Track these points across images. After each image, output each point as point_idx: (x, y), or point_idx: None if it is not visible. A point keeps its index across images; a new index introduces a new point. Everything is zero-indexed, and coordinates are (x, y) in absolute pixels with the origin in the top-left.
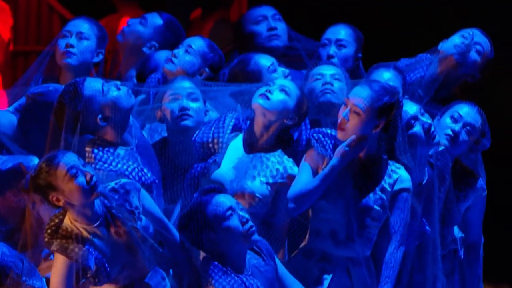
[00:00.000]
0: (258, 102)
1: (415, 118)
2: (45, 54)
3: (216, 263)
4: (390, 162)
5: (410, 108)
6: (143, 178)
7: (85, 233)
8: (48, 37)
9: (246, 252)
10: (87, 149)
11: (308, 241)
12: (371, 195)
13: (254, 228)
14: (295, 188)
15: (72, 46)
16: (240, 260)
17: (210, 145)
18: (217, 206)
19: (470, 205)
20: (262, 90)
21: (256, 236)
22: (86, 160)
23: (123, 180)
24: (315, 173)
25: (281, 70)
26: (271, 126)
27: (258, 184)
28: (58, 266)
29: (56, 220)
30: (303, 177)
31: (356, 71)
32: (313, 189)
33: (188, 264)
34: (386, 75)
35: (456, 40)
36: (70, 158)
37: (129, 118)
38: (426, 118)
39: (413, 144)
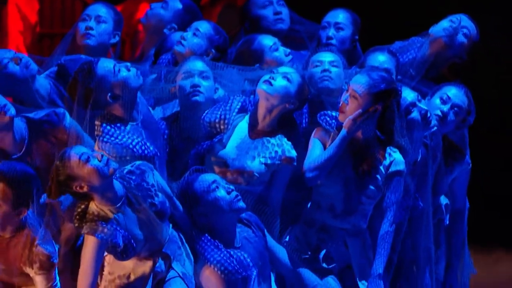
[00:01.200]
0: (262, 87)
1: (413, 104)
2: (68, 36)
3: (208, 237)
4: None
5: (408, 95)
6: (146, 151)
7: (110, 214)
8: (71, 20)
9: (235, 225)
10: (97, 122)
11: (309, 212)
12: (366, 174)
13: (239, 197)
14: (311, 159)
15: (91, 28)
16: (230, 233)
17: (217, 125)
18: (202, 181)
19: (456, 177)
20: (266, 77)
21: (242, 204)
22: (95, 133)
23: (138, 162)
24: (323, 147)
25: (282, 49)
26: (273, 110)
27: (257, 164)
28: (89, 246)
29: (82, 206)
30: (316, 150)
31: (353, 52)
32: (327, 158)
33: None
34: (381, 58)
35: (445, 24)
36: (78, 148)
37: (136, 96)
38: (422, 105)
39: (411, 128)
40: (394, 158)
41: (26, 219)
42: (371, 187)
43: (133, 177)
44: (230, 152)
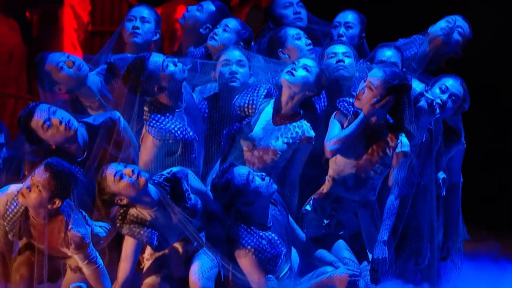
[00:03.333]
0: (285, 77)
1: (421, 94)
2: (114, 35)
3: (242, 224)
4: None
5: (418, 86)
6: (186, 136)
7: (147, 216)
8: (119, 19)
9: (268, 206)
10: (145, 108)
11: (325, 185)
12: (375, 154)
13: (272, 180)
14: (331, 135)
15: (137, 28)
16: (265, 215)
17: (246, 109)
18: (240, 176)
19: (452, 156)
20: (289, 67)
21: (275, 185)
22: (144, 117)
23: (174, 169)
24: (341, 128)
25: (304, 40)
26: (295, 97)
27: (280, 144)
28: (129, 242)
29: (123, 209)
30: (335, 129)
31: (361, 47)
32: (346, 135)
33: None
34: (388, 53)
35: (442, 24)
36: (112, 167)
37: (181, 87)
38: (429, 95)
39: (418, 115)
40: (401, 140)
41: (59, 207)
42: (379, 164)
43: (169, 184)
44: (257, 133)
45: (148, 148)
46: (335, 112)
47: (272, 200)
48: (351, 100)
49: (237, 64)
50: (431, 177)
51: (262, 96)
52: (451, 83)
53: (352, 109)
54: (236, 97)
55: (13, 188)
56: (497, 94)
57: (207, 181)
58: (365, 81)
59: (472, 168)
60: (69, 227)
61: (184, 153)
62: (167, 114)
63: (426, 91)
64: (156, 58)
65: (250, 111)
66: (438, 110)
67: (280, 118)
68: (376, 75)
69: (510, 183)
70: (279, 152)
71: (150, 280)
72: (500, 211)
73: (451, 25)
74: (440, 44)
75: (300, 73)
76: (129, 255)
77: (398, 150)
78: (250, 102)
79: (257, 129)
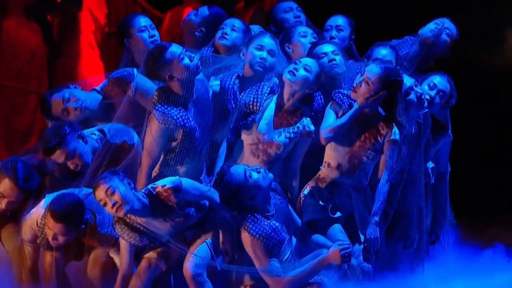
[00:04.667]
0: (286, 76)
1: (411, 88)
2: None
3: (248, 215)
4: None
5: (408, 80)
6: (187, 124)
7: (140, 222)
8: None
9: (269, 195)
10: (156, 92)
11: (321, 171)
12: (367, 141)
13: (266, 170)
14: (327, 124)
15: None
16: (267, 204)
17: (251, 106)
18: (238, 174)
19: (440, 147)
20: (290, 67)
21: (271, 174)
22: (153, 100)
23: (167, 184)
24: (336, 117)
25: (310, 37)
26: (295, 94)
27: (283, 138)
28: (123, 243)
29: (118, 217)
30: (330, 118)
31: (350, 49)
32: (342, 124)
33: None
34: (384, 51)
35: (431, 26)
36: (106, 180)
37: (193, 80)
38: (419, 89)
39: (408, 107)
40: (392, 130)
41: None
42: (371, 151)
43: (159, 197)
44: (261, 128)
45: (152, 130)
46: (330, 103)
47: (272, 188)
48: (345, 92)
49: (269, 52)
50: (419, 166)
51: (266, 94)
52: (438, 80)
53: (347, 100)
54: (242, 94)
55: (39, 209)
56: (496, 96)
57: (215, 169)
58: (362, 75)
59: (471, 169)
60: (96, 229)
61: (183, 141)
62: (175, 101)
63: (416, 85)
64: (175, 49)
65: (255, 108)
66: (426, 104)
67: (282, 113)
68: (373, 71)
69: (509, 184)
70: (282, 146)
71: (148, 254)
72: (499, 212)
73: (439, 27)
74: (430, 45)
75: (301, 72)
76: (125, 254)
77: (389, 138)
78: (255, 99)
79: (262, 125)
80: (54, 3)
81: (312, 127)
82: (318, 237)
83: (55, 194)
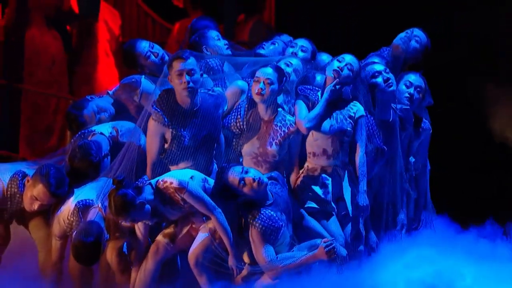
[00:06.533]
0: (256, 98)
1: (379, 72)
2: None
3: (248, 208)
4: (355, 103)
5: (378, 66)
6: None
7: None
8: (145, 32)
9: (266, 189)
10: (160, 94)
11: (309, 162)
12: (344, 121)
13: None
14: (303, 115)
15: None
16: (265, 195)
17: (233, 127)
18: (236, 172)
19: (421, 141)
20: (256, 89)
21: (265, 178)
22: (154, 100)
23: (172, 179)
24: (307, 107)
25: (299, 47)
26: (269, 106)
27: (275, 147)
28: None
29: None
30: (303, 109)
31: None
32: (318, 113)
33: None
34: (376, 59)
35: (401, 34)
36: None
37: (192, 91)
38: (388, 75)
39: (374, 87)
40: (358, 108)
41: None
42: (349, 128)
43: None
44: (254, 144)
45: (148, 129)
46: (297, 96)
47: (273, 177)
48: (310, 87)
49: (265, 83)
50: (397, 154)
51: (243, 112)
52: (413, 78)
53: (313, 93)
54: (225, 119)
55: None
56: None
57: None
58: (334, 71)
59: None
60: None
61: (172, 141)
62: (173, 105)
63: (386, 71)
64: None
65: (238, 128)
66: (394, 87)
67: (267, 124)
68: (334, 66)
69: (509, 185)
70: (277, 153)
71: (158, 237)
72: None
73: (408, 35)
74: (400, 52)
75: (268, 89)
76: (139, 231)
77: (357, 115)
78: (235, 121)
79: (254, 141)
80: (73, 14)
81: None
82: (314, 225)
83: (83, 188)
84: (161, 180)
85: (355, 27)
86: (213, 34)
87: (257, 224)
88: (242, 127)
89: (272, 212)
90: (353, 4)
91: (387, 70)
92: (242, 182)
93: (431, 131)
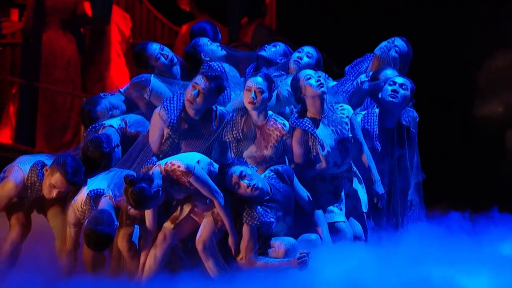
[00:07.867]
0: (249, 107)
1: (394, 82)
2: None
3: (243, 205)
4: (342, 105)
5: (398, 79)
6: (169, 121)
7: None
8: (154, 34)
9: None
10: (174, 94)
11: (321, 171)
12: (344, 130)
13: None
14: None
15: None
16: (262, 194)
17: (229, 138)
18: (236, 170)
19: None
20: (249, 99)
21: (260, 183)
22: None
23: (179, 162)
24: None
25: (305, 53)
26: (261, 113)
27: (270, 150)
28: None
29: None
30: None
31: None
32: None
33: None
34: (365, 65)
35: (383, 43)
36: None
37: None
38: (398, 88)
39: (378, 92)
40: (347, 108)
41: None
42: (350, 135)
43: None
44: (252, 149)
45: (153, 116)
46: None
47: (279, 173)
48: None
49: (256, 91)
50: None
51: (239, 123)
52: (396, 76)
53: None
54: (223, 132)
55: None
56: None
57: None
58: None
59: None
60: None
61: (166, 140)
62: (178, 107)
63: (403, 87)
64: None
65: (237, 135)
66: (400, 100)
67: (260, 130)
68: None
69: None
70: (273, 155)
71: (165, 224)
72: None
73: (389, 44)
74: (380, 61)
75: (259, 98)
76: (149, 218)
77: (349, 114)
78: (231, 132)
79: (251, 147)
80: (87, 18)
81: (287, 123)
82: (318, 216)
83: (95, 178)
84: (169, 163)
85: (354, 31)
86: (204, 40)
87: (247, 221)
88: (238, 136)
89: (266, 208)
90: (352, 9)
91: (405, 86)
92: (237, 185)
93: (417, 119)
